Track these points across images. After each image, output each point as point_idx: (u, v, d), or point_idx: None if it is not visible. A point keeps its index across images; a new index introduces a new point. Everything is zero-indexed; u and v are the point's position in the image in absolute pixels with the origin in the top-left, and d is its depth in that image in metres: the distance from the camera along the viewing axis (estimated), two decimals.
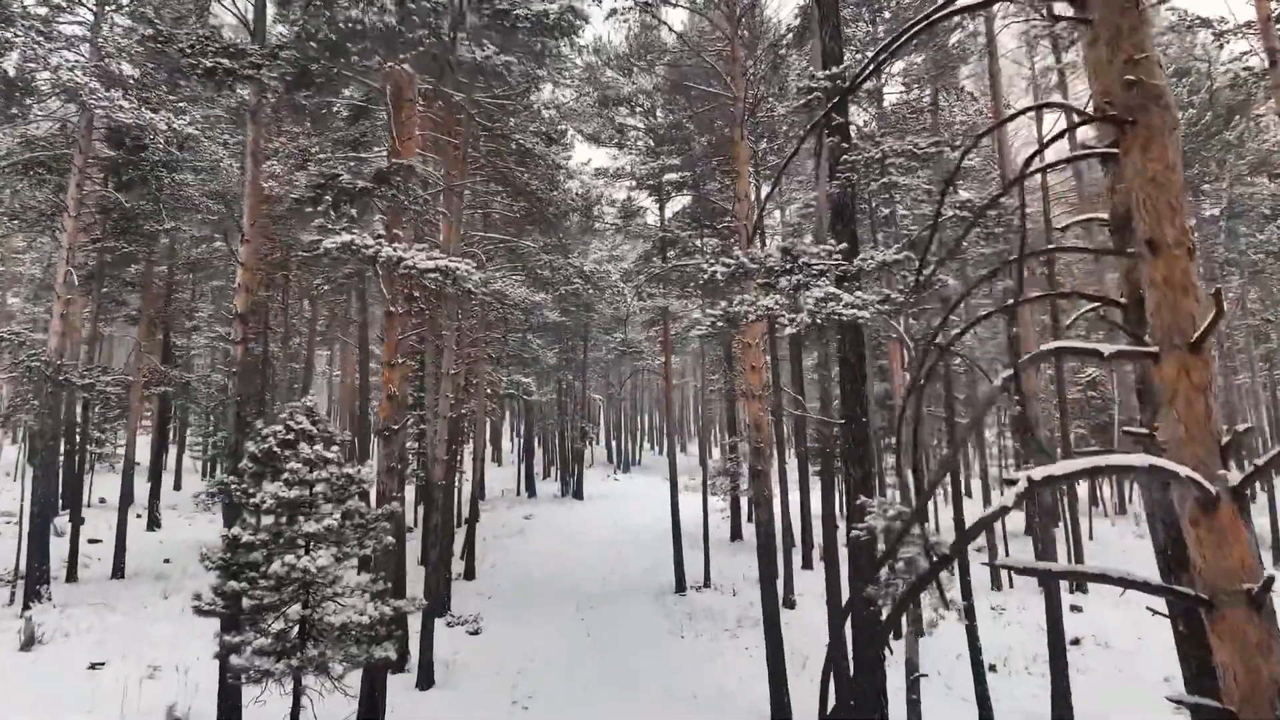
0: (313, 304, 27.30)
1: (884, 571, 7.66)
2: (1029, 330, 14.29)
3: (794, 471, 27.21)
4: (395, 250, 8.73)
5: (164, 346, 28.43)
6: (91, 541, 23.29)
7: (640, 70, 21.95)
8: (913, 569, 7.81)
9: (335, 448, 8.77)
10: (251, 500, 8.36)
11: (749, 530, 30.21)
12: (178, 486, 35.10)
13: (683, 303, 33.10)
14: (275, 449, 8.56)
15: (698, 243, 26.31)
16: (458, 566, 23.04)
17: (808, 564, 24.84)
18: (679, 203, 27.74)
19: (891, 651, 11.25)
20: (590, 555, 25.98)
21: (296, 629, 8.35)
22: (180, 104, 19.00)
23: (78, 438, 24.91)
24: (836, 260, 7.42)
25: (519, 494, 40.13)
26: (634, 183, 25.05)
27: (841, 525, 17.48)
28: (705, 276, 8.03)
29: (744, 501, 31.45)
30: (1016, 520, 29.67)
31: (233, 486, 8.63)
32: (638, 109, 24.05)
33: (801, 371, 26.28)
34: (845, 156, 8.81)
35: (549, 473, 48.28)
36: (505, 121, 19.22)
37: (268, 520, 8.75)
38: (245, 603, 8.08)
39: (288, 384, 29.97)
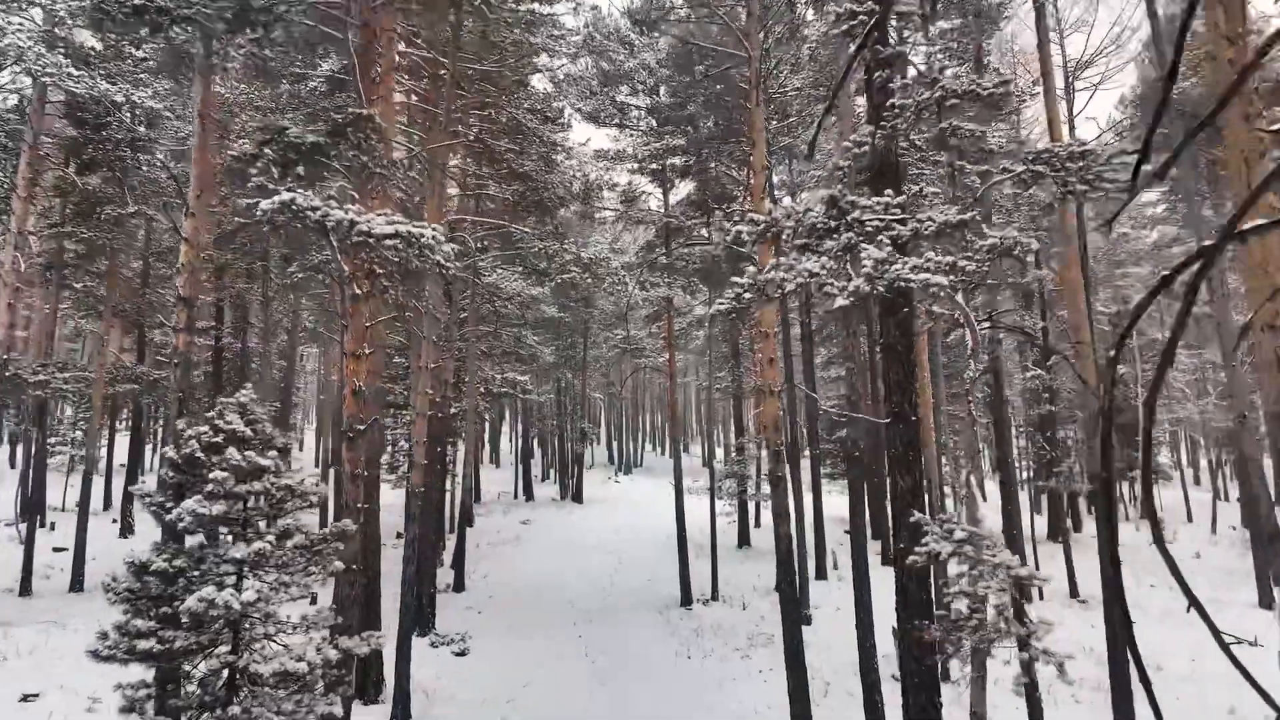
0: (295, 295, 25.68)
1: (951, 608, 6.14)
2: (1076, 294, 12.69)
3: (805, 473, 25.56)
4: (346, 213, 7.20)
5: (139, 341, 26.86)
6: (57, 550, 21.79)
7: (643, 43, 20.35)
8: (983, 606, 6.28)
9: (274, 453, 7.21)
10: (167, 517, 6.81)
11: (757, 536, 28.60)
12: None
13: (686, 297, 31.51)
14: (199, 455, 7.01)
15: (703, 232, 24.75)
16: (447, 576, 21.48)
17: (821, 574, 23.23)
18: (683, 190, 26.18)
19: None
20: (590, 564, 24.39)
21: (225, 676, 6.82)
22: (141, 75, 17.47)
23: (37, 439, 23.31)
24: (895, 214, 5.86)
25: (516, 497, 38.61)
26: (636, 165, 23.42)
27: (867, 533, 15.96)
28: (729, 238, 6.50)
29: (752, 505, 29.89)
30: (1038, 525, 28.14)
31: (147, 500, 7.06)
32: (640, 87, 22.44)
33: (813, 369, 24.74)
34: (892, 100, 7.25)
35: (548, 475, 46.73)
36: (498, 98, 17.70)
37: (191, 541, 7.22)
38: (155, 646, 6.51)
39: (274, 383, 28.43)
